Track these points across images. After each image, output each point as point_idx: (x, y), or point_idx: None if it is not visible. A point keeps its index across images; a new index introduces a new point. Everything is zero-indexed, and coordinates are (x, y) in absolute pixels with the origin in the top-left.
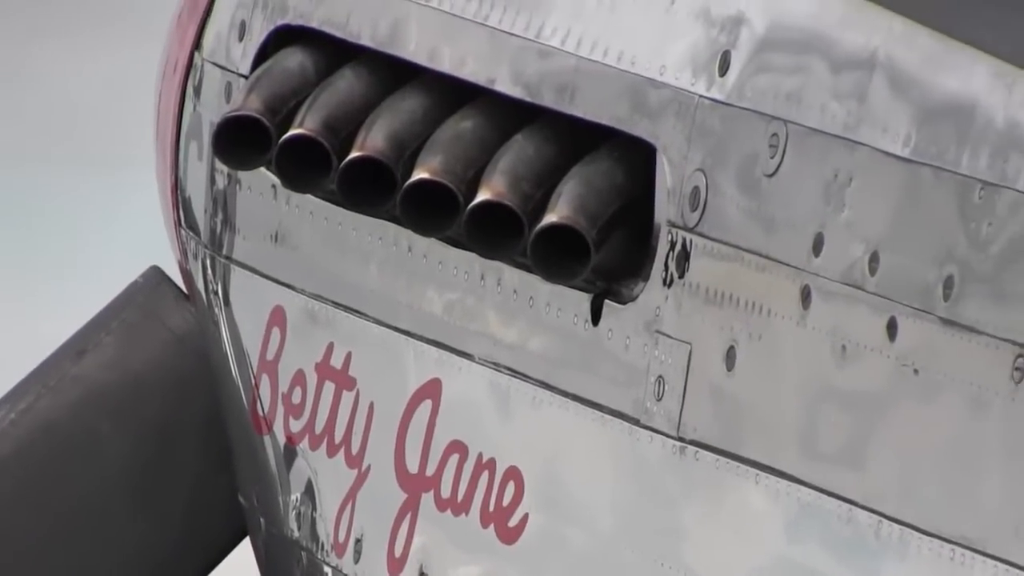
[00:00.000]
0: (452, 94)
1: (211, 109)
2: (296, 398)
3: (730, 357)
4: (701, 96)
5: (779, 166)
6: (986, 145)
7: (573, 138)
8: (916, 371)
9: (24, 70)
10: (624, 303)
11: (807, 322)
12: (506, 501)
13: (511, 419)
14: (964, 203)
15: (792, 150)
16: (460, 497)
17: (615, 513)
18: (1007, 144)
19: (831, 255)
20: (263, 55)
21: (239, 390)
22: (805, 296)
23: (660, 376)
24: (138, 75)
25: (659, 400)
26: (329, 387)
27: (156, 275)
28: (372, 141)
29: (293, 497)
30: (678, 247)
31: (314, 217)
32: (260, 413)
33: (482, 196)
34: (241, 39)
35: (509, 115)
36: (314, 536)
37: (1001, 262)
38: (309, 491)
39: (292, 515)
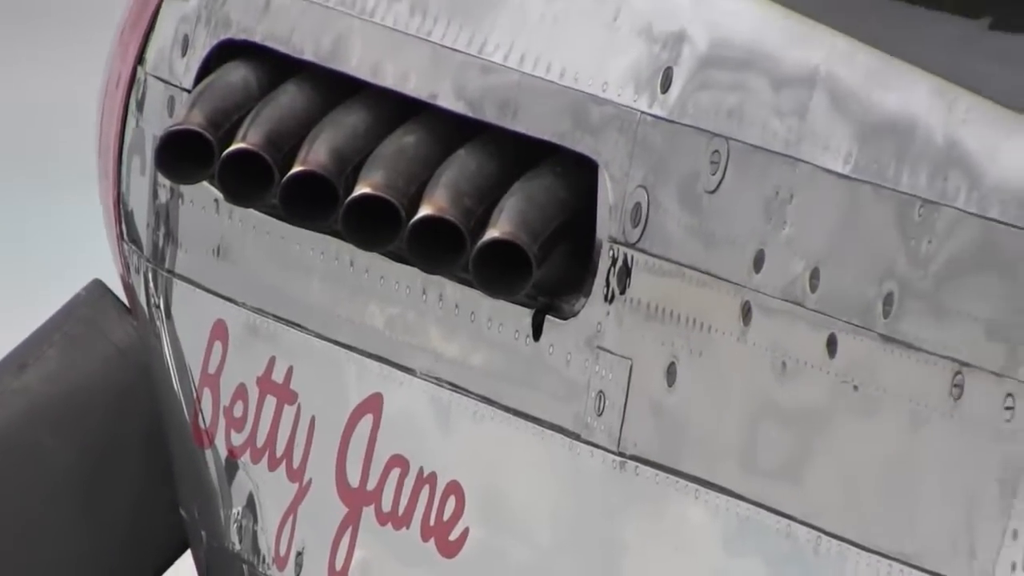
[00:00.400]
0: (395, 109)
1: (154, 123)
2: (238, 412)
3: (671, 373)
4: (643, 112)
5: (720, 183)
6: (926, 163)
7: (515, 154)
8: (855, 387)
9: None
10: (565, 318)
11: (747, 338)
12: (447, 515)
13: (452, 434)
14: (904, 221)
15: (733, 167)
16: (401, 511)
17: (555, 527)
18: (946, 162)
19: (771, 272)
20: (206, 70)
21: (181, 403)
22: (745, 312)
23: (601, 391)
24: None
25: (600, 415)
26: (271, 401)
27: (98, 288)
28: (314, 156)
29: (234, 511)
30: (619, 263)
31: (256, 231)
32: (201, 426)
33: (424, 211)
34: (184, 54)
35: (451, 130)
36: (255, 549)
37: (940, 279)
38: (250, 504)
39: (233, 528)
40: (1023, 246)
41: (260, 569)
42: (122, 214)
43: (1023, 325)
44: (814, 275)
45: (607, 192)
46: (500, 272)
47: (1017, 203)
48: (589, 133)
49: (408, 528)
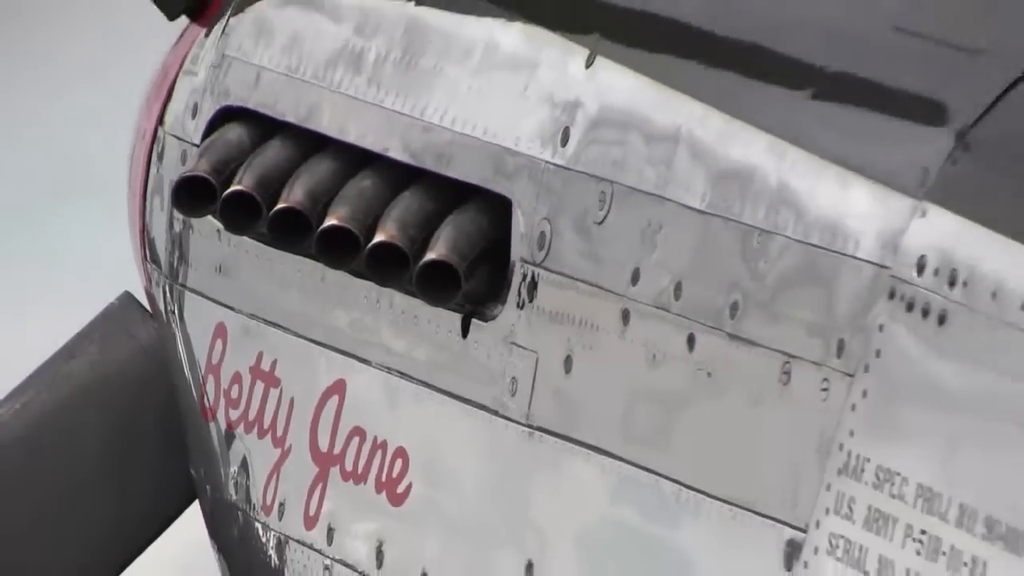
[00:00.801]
0: (356, 159)
1: (170, 171)
2: (234, 393)
3: (568, 363)
4: (547, 162)
5: (606, 216)
6: (763, 201)
7: (449, 193)
8: (709, 374)
9: None
10: (487, 321)
11: (626, 336)
12: (395, 474)
13: (399, 411)
14: (746, 246)
15: (616, 204)
16: (359, 470)
17: (479, 483)
18: (778, 200)
19: (645, 285)
20: (211, 129)
21: (191, 387)
22: (625, 317)
23: (514, 377)
24: None
25: (513, 396)
26: (260, 385)
27: (127, 298)
28: (294, 195)
29: (232, 469)
30: (528, 278)
31: (249, 254)
32: (207, 405)
33: (378, 238)
34: (194, 117)
35: (399, 176)
36: (248, 500)
37: (773, 292)
38: (244, 465)
39: (231, 484)
40: (834, 265)
41: (251, 515)
42: (146, 240)
43: (834, 326)
44: (677, 287)
45: (519, 223)
46: (437, 285)
47: (829, 231)
48: (505, 178)
49: (365, 484)
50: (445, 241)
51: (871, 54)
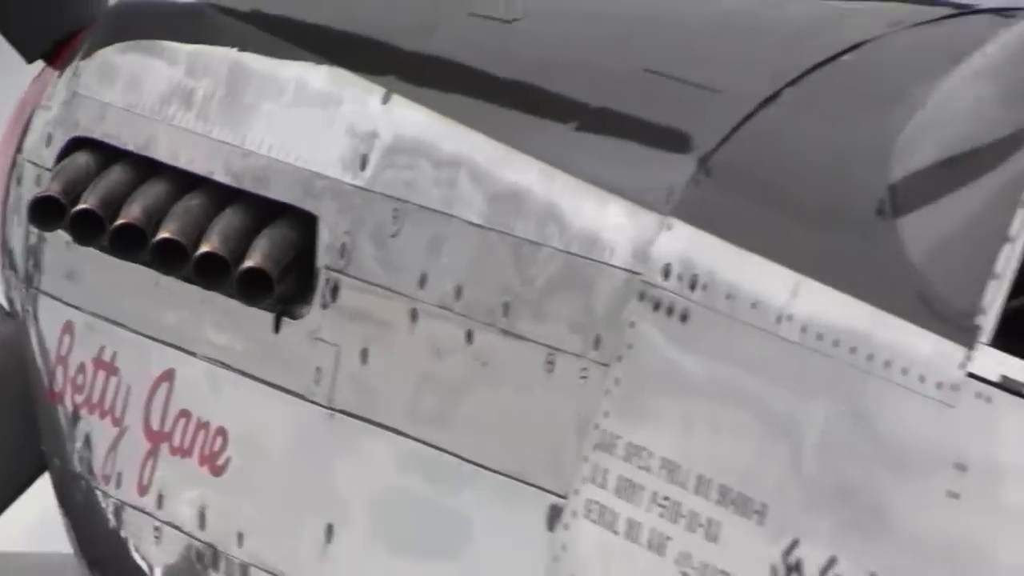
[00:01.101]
0: (186, 182)
1: (27, 192)
2: (79, 381)
3: (364, 355)
4: (348, 184)
5: (399, 230)
6: (533, 217)
7: (265, 211)
8: (485, 364)
9: None
10: (296, 319)
11: (415, 332)
12: (216, 449)
13: (221, 395)
14: (517, 255)
15: (408, 220)
16: (186, 446)
17: (288, 457)
18: (546, 217)
19: (431, 289)
20: (62, 156)
21: (43, 376)
22: (414, 315)
23: (319, 367)
24: None
25: (317, 383)
26: (101, 374)
27: None
28: (132, 212)
29: (77, 445)
30: (331, 283)
31: (94, 262)
32: (56, 391)
33: (203, 248)
34: (48, 145)
35: (223, 196)
36: (91, 471)
37: (540, 294)
38: (87, 442)
39: (76, 458)
40: (593, 271)
41: (93, 484)
42: (5, 251)
43: (592, 323)
44: (458, 291)
45: (324, 236)
46: (253, 289)
47: (589, 243)
48: (313, 197)
49: (190, 457)
50: (260, 251)
51: (626, 92)
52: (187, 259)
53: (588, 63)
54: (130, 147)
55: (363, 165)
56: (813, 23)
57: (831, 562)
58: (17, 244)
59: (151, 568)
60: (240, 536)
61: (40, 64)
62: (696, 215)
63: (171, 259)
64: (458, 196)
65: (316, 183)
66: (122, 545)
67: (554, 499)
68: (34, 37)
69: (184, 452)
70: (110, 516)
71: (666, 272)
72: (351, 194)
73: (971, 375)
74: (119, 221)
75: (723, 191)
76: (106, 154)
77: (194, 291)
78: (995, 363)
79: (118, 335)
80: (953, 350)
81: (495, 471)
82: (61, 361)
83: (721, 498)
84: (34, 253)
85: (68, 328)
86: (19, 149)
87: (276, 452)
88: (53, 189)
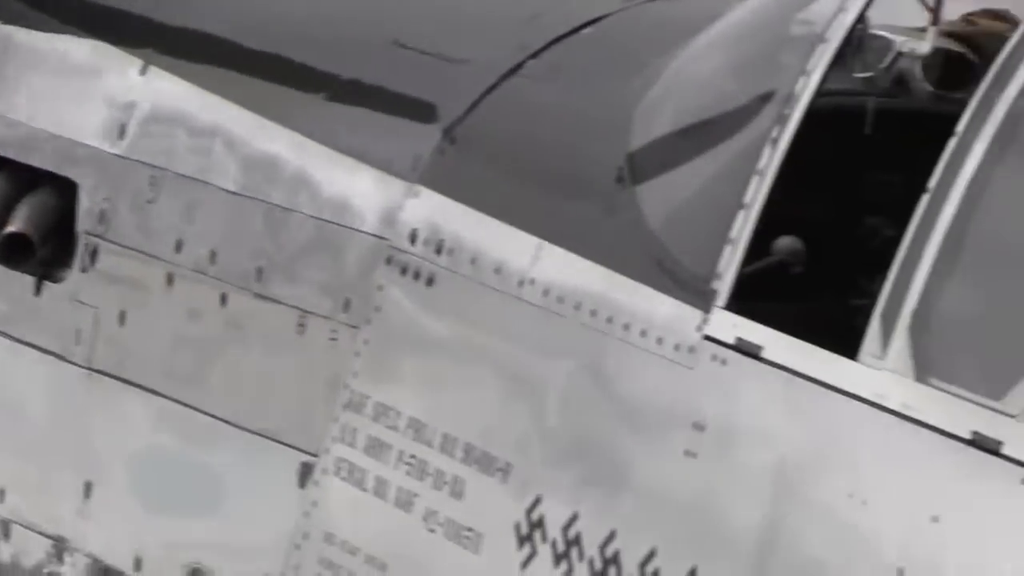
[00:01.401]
0: None
1: None
2: None
3: (122, 317)
4: (108, 152)
5: (156, 197)
6: (284, 185)
7: (28, 178)
8: (239, 326)
9: None
10: (57, 282)
11: (171, 295)
12: None
13: None
14: (270, 221)
15: (165, 186)
16: None
17: (48, 416)
18: (298, 184)
19: (187, 253)
20: None
21: None
22: (170, 279)
23: (78, 329)
24: None
25: (78, 344)
26: None
27: None
28: None
29: None
30: (91, 247)
31: None
32: None
33: None
34: None
35: None
36: None
37: (292, 258)
38: None
39: None
40: (342, 237)
41: None
42: None
43: (341, 287)
44: (213, 255)
45: (84, 202)
46: (16, 253)
47: (339, 209)
48: (74, 165)
49: None
50: (22, 217)
51: (376, 64)
52: None
53: (340, 36)
54: None
55: (121, 134)
56: None
57: (573, 518)
58: None
59: None
60: (1, 492)
61: None
62: (441, 183)
63: None
64: (213, 164)
65: (76, 151)
66: None
67: (306, 457)
68: None
69: None
70: None
71: (413, 237)
72: (110, 162)
73: (707, 337)
74: None
75: (467, 159)
76: None
77: None
78: (730, 325)
79: None
80: (690, 314)
81: (248, 430)
82: None
83: (465, 456)
84: None
85: None
86: None
87: (36, 411)
88: None
